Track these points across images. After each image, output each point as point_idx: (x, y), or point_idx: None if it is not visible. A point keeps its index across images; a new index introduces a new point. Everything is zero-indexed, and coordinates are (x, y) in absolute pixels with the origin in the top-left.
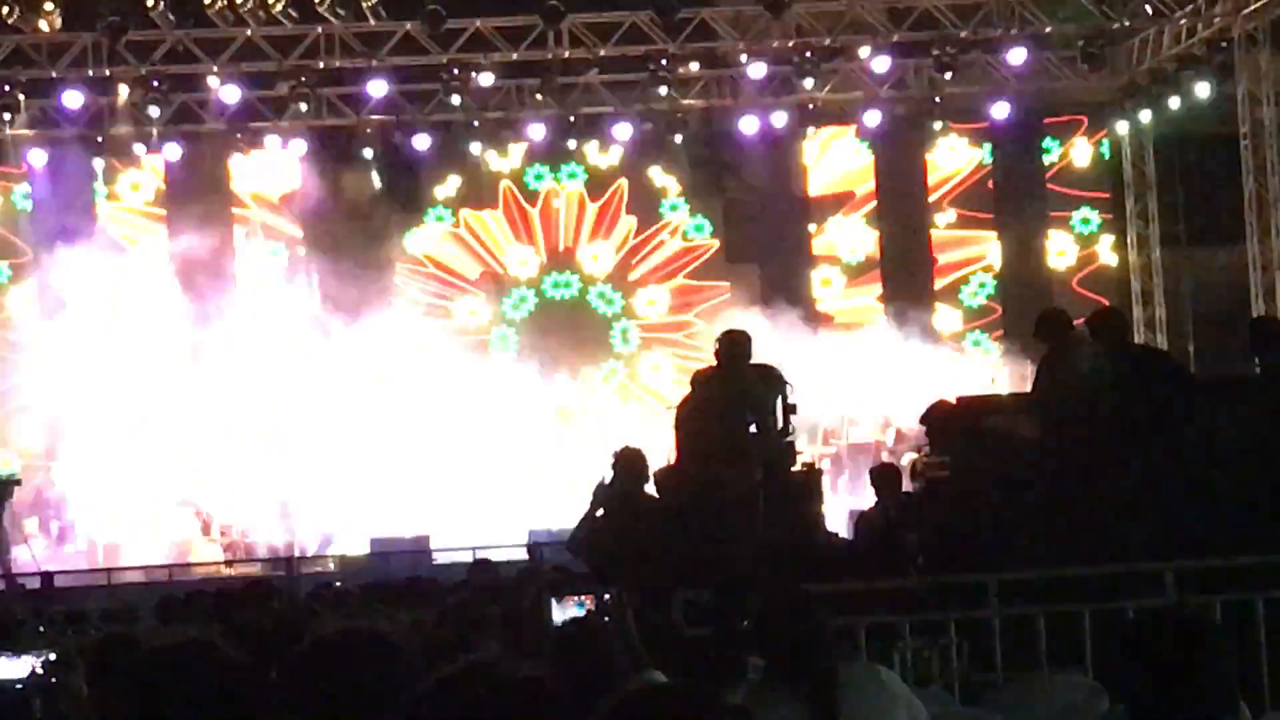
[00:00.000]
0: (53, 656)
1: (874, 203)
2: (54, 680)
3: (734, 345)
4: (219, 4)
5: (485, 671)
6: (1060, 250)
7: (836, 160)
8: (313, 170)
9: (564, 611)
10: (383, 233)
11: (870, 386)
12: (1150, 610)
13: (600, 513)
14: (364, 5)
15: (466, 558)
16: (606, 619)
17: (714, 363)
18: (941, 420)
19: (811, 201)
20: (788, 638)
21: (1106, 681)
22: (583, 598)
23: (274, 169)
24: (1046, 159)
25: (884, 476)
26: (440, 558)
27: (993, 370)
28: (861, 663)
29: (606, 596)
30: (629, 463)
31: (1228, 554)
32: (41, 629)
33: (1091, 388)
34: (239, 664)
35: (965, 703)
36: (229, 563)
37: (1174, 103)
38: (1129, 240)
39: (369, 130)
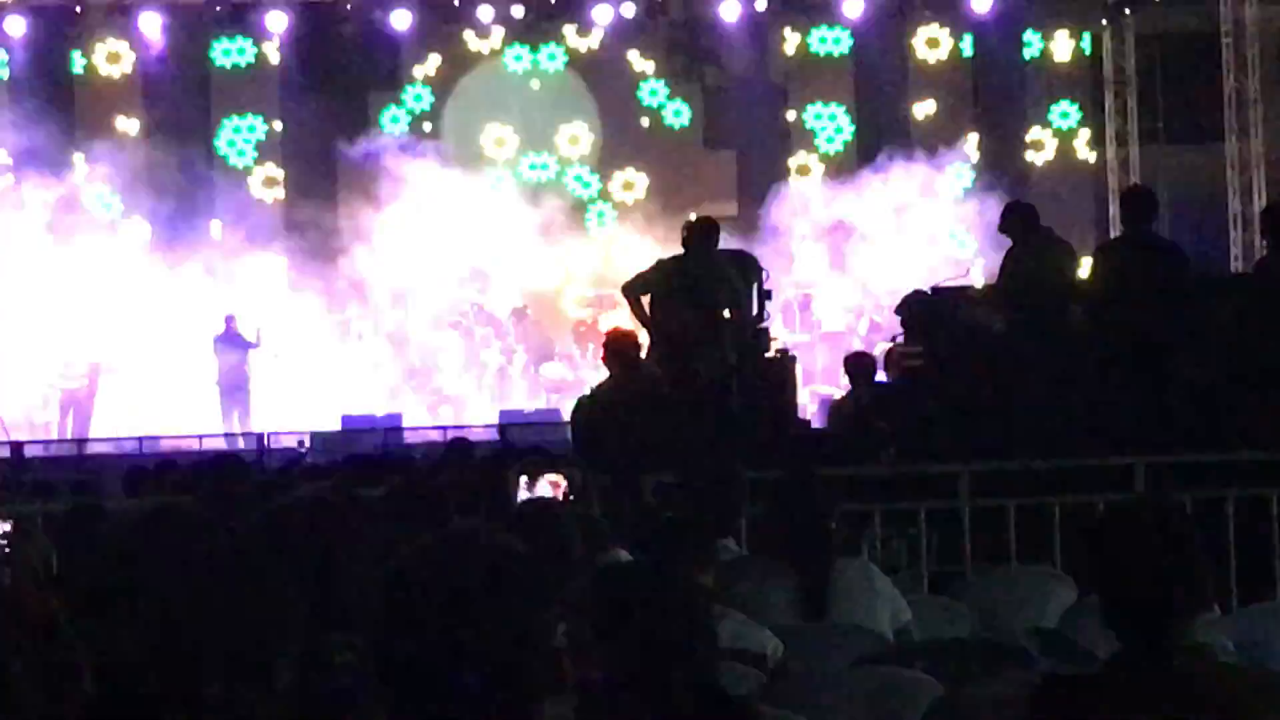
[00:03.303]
0: (7, 526)
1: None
2: (7, 550)
3: (702, 231)
4: None
5: (467, 539)
6: (1037, 142)
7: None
8: (292, 46)
9: (532, 491)
10: (362, 110)
11: (846, 273)
12: (1121, 502)
13: (588, 392)
14: None
15: (438, 437)
16: (571, 498)
17: (683, 250)
18: (916, 310)
19: (790, 86)
20: (795, 524)
21: (1075, 574)
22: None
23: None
24: (1027, 53)
25: (858, 365)
26: (412, 437)
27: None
28: (857, 559)
29: (575, 474)
30: (617, 345)
31: (1201, 449)
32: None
33: (1056, 284)
34: (209, 529)
35: (933, 593)
36: (199, 436)
37: None
38: (1107, 136)
39: (350, 6)
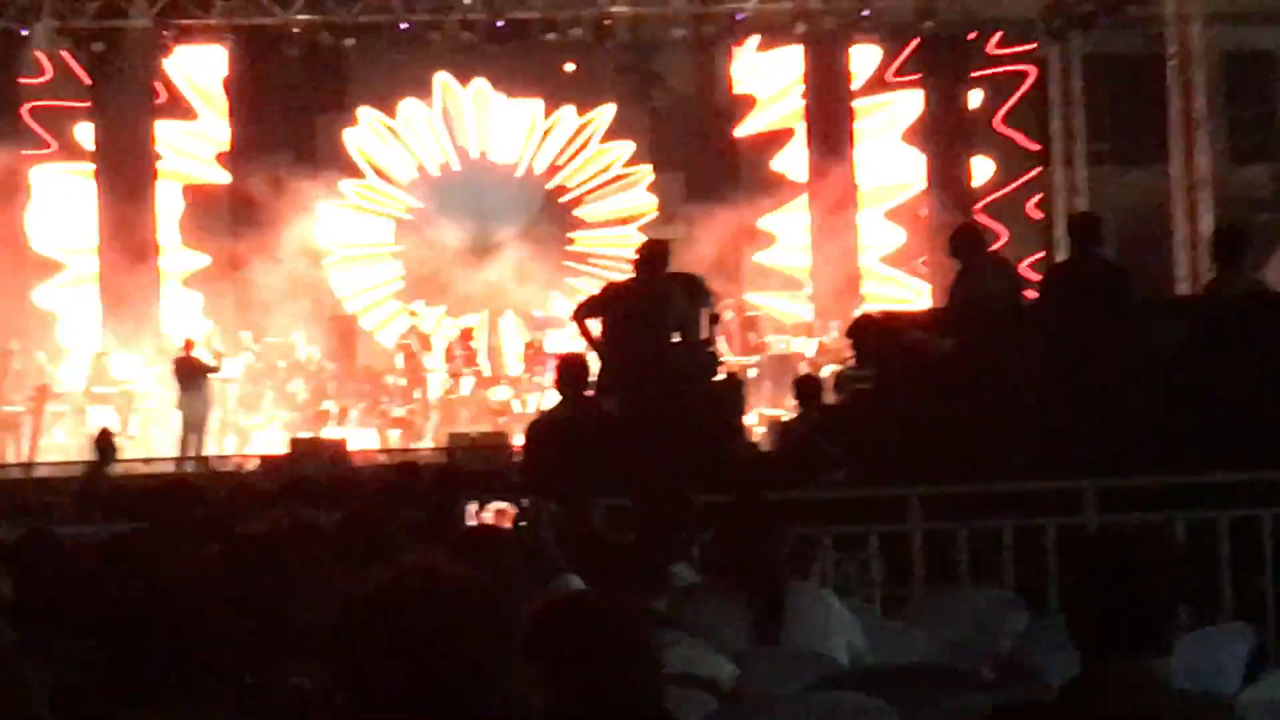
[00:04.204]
0: None
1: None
2: None
3: (653, 254)
4: None
5: (425, 575)
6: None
7: (765, 75)
8: (239, 69)
9: (480, 518)
10: (312, 132)
11: (795, 295)
12: (1116, 526)
13: (539, 417)
14: None
15: (385, 460)
16: (523, 524)
17: (633, 273)
18: (866, 333)
19: (737, 108)
20: (745, 549)
21: (1026, 597)
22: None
23: (202, 67)
24: (974, 72)
25: (807, 387)
26: (359, 460)
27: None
28: (810, 583)
29: (525, 502)
30: (569, 369)
31: (1148, 473)
32: None
33: (1003, 308)
34: (163, 556)
35: (884, 616)
36: (147, 460)
37: (1104, 20)
38: (1053, 158)
39: (296, 30)
